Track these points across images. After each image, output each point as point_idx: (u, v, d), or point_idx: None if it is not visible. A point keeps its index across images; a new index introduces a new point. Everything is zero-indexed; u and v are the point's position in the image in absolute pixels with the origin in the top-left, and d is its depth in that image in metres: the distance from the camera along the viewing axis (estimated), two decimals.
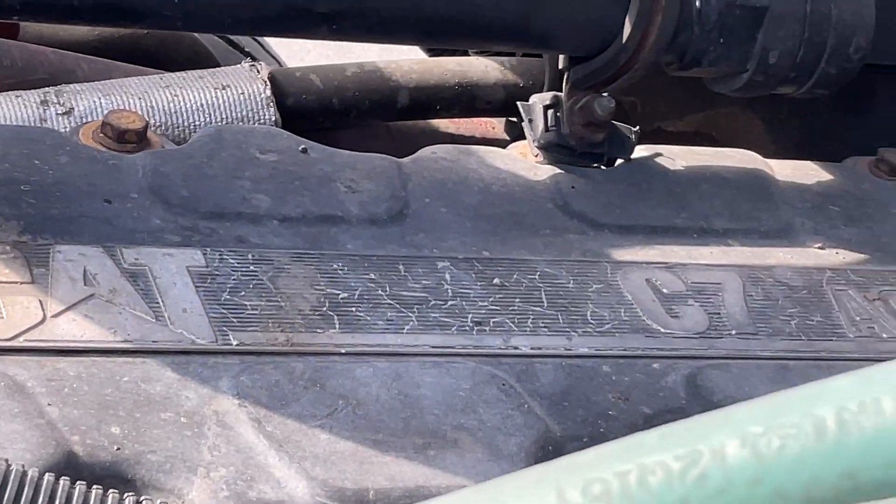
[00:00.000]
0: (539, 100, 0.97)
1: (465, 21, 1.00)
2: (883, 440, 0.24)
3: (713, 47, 0.95)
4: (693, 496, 0.32)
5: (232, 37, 1.44)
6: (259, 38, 1.51)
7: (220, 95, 1.08)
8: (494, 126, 1.23)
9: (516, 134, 1.07)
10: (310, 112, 1.13)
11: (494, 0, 0.97)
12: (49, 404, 0.67)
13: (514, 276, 0.87)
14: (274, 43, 1.60)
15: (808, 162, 1.05)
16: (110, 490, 0.59)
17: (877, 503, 0.27)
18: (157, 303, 0.73)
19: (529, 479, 0.31)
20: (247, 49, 1.46)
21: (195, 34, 1.35)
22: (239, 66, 1.14)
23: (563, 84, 0.98)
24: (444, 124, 1.24)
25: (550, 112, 0.95)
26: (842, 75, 1.00)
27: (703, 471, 0.30)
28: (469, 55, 1.27)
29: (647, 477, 0.30)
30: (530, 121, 0.97)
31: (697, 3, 0.93)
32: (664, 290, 0.89)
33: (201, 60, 1.32)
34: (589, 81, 0.95)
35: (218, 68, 1.18)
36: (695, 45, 0.94)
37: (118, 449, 0.66)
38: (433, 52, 1.39)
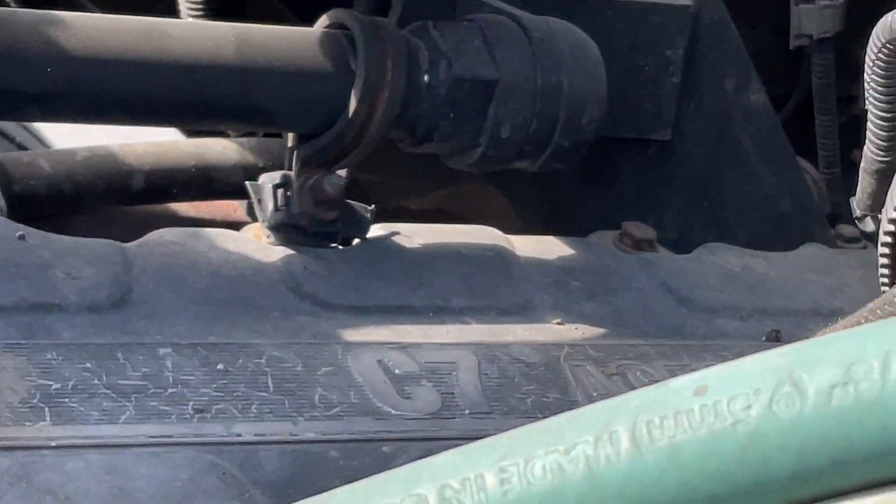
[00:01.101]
0: (268, 179, 0.95)
1: (182, 100, 0.98)
2: None
3: (444, 122, 0.95)
4: None
5: None
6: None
7: None
8: (236, 208, 1.21)
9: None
10: (39, 198, 1.10)
11: (213, 78, 0.95)
12: None
13: (240, 360, 0.84)
14: (46, 127, 1.55)
15: (551, 237, 1.05)
16: None
17: None
18: None
19: None
20: (11, 134, 1.39)
21: None
22: None
23: (294, 163, 0.95)
24: (185, 207, 1.22)
25: (280, 191, 0.93)
26: (576, 148, 1.01)
27: None
28: (227, 134, 1.25)
29: None
30: (259, 201, 0.95)
31: (426, 78, 0.93)
32: (396, 371, 0.87)
33: None
34: (318, 159, 0.93)
35: None
36: (425, 121, 0.95)
37: None
38: (190, 133, 1.38)
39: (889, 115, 0.93)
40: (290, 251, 0.93)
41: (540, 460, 0.34)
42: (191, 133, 1.39)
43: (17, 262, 0.87)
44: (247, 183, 1.01)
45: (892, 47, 0.90)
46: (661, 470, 0.35)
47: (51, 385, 0.77)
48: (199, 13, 1.32)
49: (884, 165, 0.91)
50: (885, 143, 0.93)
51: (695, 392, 0.44)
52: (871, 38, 0.82)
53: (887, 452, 0.33)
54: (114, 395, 0.77)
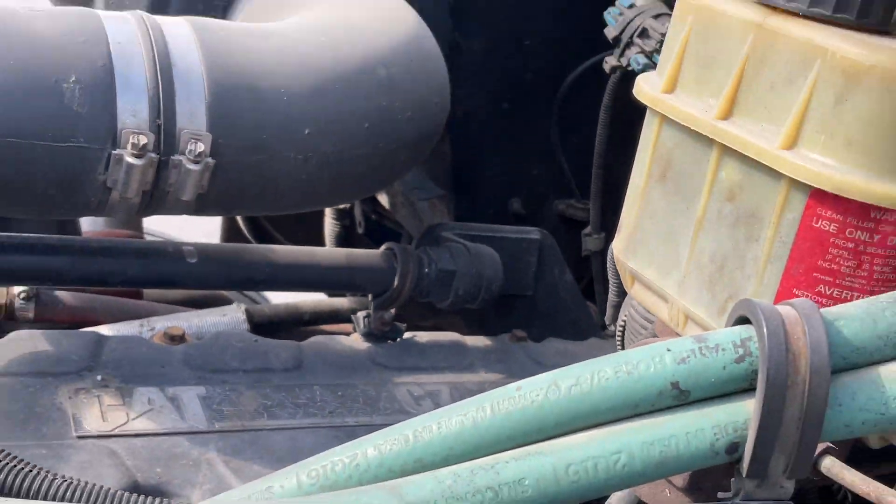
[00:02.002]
0: (361, 312, 1.35)
1: (307, 279, 1.39)
2: None
3: (434, 288, 1.36)
4: None
5: None
6: None
7: None
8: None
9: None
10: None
11: (340, 271, 1.36)
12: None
13: (349, 390, 1.16)
14: None
15: (479, 336, 1.40)
16: None
17: None
18: None
19: None
20: None
21: None
22: None
23: (372, 305, 1.34)
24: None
25: (366, 318, 1.33)
26: (491, 298, 1.41)
27: None
28: None
29: None
30: (357, 321, 1.33)
31: (426, 270, 1.35)
32: (416, 394, 1.20)
33: None
34: (383, 305, 1.33)
35: None
36: (426, 288, 1.35)
37: None
38: None
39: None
40: (371, 343, 1.30)
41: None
42: None
43: None
44: (352, 315, 1.38)
45: None
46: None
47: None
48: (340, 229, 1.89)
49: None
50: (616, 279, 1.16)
51: None
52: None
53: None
54: (293, 407, 1.09)
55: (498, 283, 1.40)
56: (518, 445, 0.54)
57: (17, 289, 1.27)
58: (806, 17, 0.72)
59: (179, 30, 1.03)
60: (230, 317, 1.39)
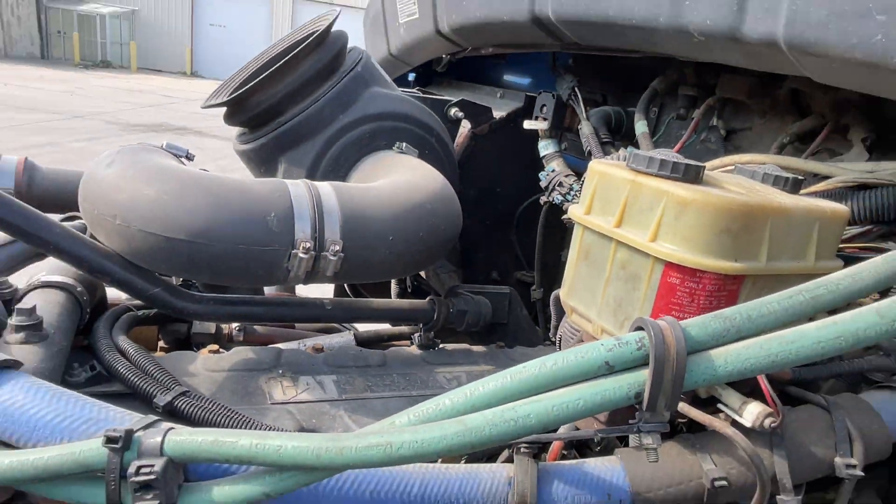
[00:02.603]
0: (416, 335, 1.27)
1: (386, 316, 1.31)
2: None
3: (455, 320, 1.29)
4: None
5: None
6: None
7: None
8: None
9: None
10: None
11: (400, 310, 1.29)
12: None
13: (402, 373, 1.11)
14: None
15: (479, 346, 1.29)
16: None
17: None
18: None
19: None
20: None
21: None
22: None
23: (422, 330, 1.27)
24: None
25: (418, 338, 1.26)
26: (485, 326, 1.33)
27: None
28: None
29: None
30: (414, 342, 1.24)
31: (451, 310, 1.29)
32: (446, 376, 1.12)
33: None
34: (427, 330, 1.27)
35: None
36: (451, 320, 1.29)
37: None
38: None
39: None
40: (421, 351, 1.24)
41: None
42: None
43: None
44: (411, 336, 1.30)
45: None
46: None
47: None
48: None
49: None
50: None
51: None
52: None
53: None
54: (383, 386, 1.05)
55: (488, 317, 1.36)
56: (524, 398, 0.55)
57: (234, 324, 1.28)
58: (656, 176, 0.73)
59: (324, 188, 1.04)
60: (346, 338, 1.36)
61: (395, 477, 0.59)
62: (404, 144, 1.34)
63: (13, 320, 0.78)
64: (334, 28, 1.27)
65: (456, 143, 1.55)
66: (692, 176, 0.71)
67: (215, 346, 1.11)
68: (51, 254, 0.87)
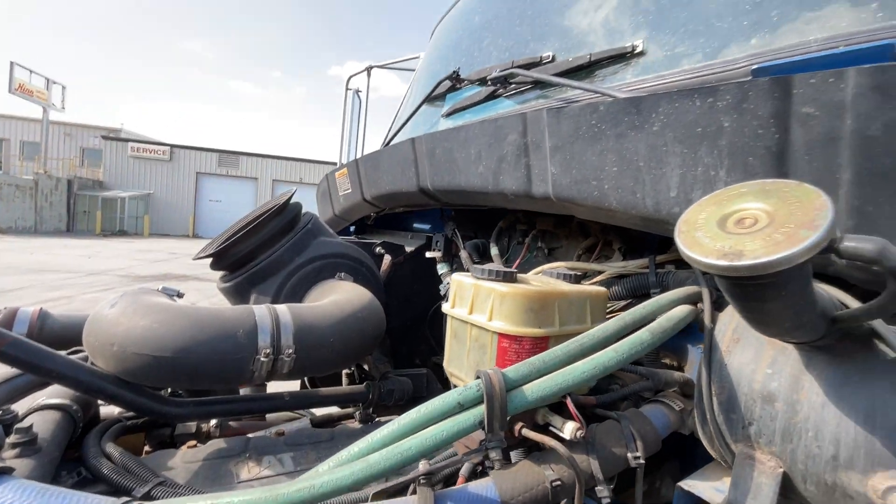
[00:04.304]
0: (357, 413, 1.18)
1: (335, 400, 1.18)
2: None
3: (385, 398, 1.18)
4: None
5: None
6: None
7: None
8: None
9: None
10: None
11: (344, 395, 1.17)
12: None
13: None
14: None
15: None
16: None
17: None
18: None
19: None
20: None
21: None
22: None
23: (361, 408, 1.18)
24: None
25: (360, 414, 1.16)
26: (411, 401, 1.19)
27: None
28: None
29: None
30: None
31: (383, 390, 1.16)
32: None
33: None
34: (366, 408, 1.18)
35: None
36: (383, 398, 1.17)
37: None
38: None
39: None
40: (362, 425, 1.15)
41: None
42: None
43: None
44: (355, 414, 1.20)
45: None
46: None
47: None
48: None
49: None
50: None
51: None
52: None
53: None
54: None
55: (410, 392, 1.27)
56: (407, 437, 0.54)
57: (212, 422, 1.14)
58: (488, 279, 0.73)
59: (282, 309, 1.00)
60: (304, 422, 1.23)
61: None
62: (343, 273, 1.35)
63: (10, 439, 0.71)
64: (293, 200, 1.31)
65: (382, 270, 1.51)
66: (509, 278, 0.73)
67: (193, 442, 0.99)
68: (53, 380, 0.80)
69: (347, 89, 2.73)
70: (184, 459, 0.89)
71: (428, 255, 1.49)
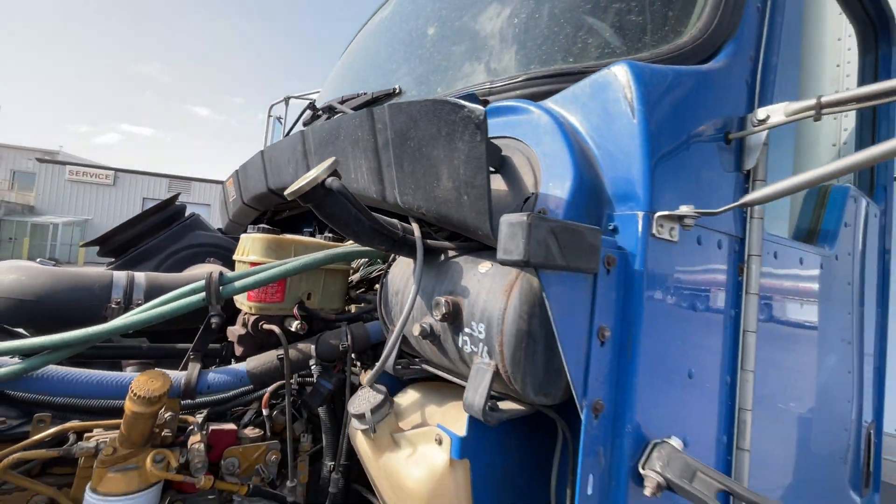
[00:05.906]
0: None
1: None
2: None
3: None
4: None
5: None
6: None
7: None
8: None
9: None
10: None
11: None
12: None
13: None
14: None
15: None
16: None
17: None
18: None
19: None
20: None
21: None
22: None
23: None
24: None
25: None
26: None
27: None
28: None
29: None
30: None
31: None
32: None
33: None
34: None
35: None
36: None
37: None
38: None
39: None
40: None
41: None
42: None
43: None
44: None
45: None
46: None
47: None
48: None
49: None
50: None
51: None
52: None
53: None
54: None
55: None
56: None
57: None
58: (252, 233, 0.94)
59: (139, 274, 1.17)
60: None
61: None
62: (212, 259, 1.59)
63: None
64: (179, 201, 1.61)
65: None
66: (263, 231, 0.94)
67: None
68: None
69: (269, 116, 2.87)
70: None
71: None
